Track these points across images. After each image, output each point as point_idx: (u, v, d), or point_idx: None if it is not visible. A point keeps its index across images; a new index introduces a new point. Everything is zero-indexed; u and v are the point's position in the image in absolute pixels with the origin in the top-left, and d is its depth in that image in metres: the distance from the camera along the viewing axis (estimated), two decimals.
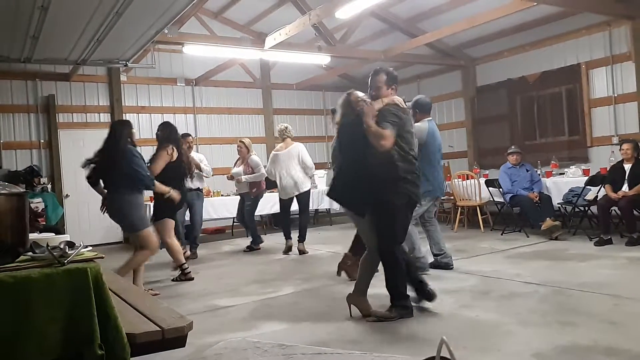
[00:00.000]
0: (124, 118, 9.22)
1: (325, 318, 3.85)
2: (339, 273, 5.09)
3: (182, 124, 9.89)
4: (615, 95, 7.80)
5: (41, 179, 8.09)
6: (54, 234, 2.83)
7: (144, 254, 4.79)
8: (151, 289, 5.04)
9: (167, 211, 5.27)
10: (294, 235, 6.97)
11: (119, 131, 4.74)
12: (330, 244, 7.40)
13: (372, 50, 9.23)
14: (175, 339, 2.03)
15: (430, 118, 5.27)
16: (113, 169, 4.61)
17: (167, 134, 5.38)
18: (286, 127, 7.07)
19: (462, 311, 3.75)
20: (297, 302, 4.40)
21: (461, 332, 3.31)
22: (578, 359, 2.80)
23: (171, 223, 5.34)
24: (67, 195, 8.75)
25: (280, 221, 7.70)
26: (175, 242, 5.43)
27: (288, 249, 6.98)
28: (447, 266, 5.20)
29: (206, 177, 7.26)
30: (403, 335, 3.36)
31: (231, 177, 7.53)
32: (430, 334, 3.31)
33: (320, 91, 11.57)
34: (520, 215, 7.41)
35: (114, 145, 4.67)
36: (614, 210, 6.25)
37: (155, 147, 5.47)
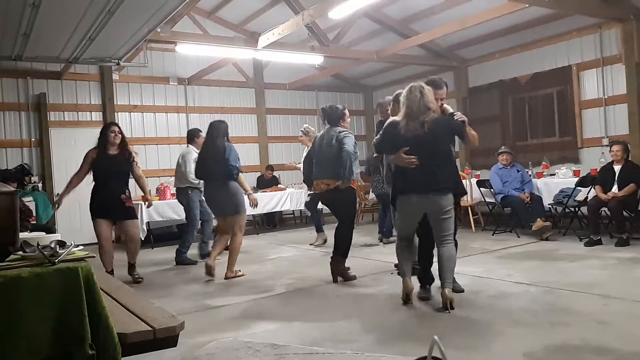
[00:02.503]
0: (116, 117, 9.20)
1: (317, 318, 3.85)
2: (335, 279, 5.05)
3: (174, 123, 9.88)
4: (606, 97, 7.86)
5: (32, 178, 8.04)
6: (44, 233, 2.82)
7: (240, 236, 5.49)
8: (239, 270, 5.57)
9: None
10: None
11: (217, 129, 5.47)
12: (323, 244, 7.40)
13: (365, 50, 9.24)
14: (167, 338, 2.02)
15: None
16: (216, 162, 5.36)
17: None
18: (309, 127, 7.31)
19: (453, 311, 3.75)
20: (289, 302, 4.40)
21: (452, 332, 3.32)
22: (568, 358, 2.82)
23: None
24: (58, 194, 8.68)
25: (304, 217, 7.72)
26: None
27: (323, 242, 7.28)
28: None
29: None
30: (394, 334, 3.38)
31: None
32: (421, 333, 3.32)
33: (313, 91, 11.57)
34: (511, 215, 7.45)
35: (213, 142, 5.43)
36: (604, 211, 6.30)
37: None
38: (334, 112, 5.30)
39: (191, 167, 6.34)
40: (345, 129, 5.19)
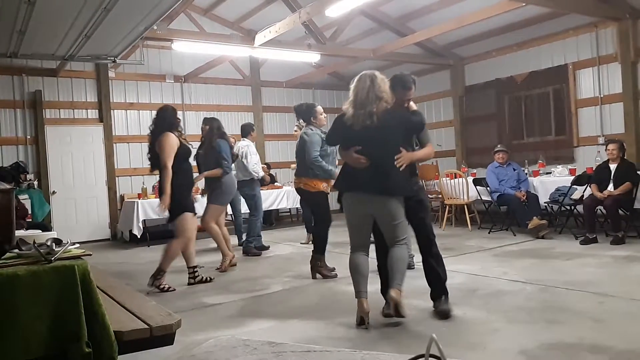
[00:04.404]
0: (112, 115, 9.17)
1: (314, 315, 3.86)
2: (314, 276, 5.10)
3: None
4: (602, 95, 7.89)
5: (27, 175, 8.01)
6: (40, 231, 2.81)
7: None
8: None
9: None
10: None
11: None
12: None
13: (362, 48, 9.23)
14: (163, 336, 2.03)
15: None
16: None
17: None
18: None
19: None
20: (285, 300, 4.40)
21: (448, 330, 3.33)
22: (564, 356, 2.83)
23: None
24: (53, 192, 8.67)
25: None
26: None
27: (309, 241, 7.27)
28: (409, 266, 5.03)
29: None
30: (392, 332, 3.38)
31: None
32: (418, 331, 3.33)
33: (309, 89, 11.55)
34: (508, 214, 7.47)
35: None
36: (600, 209, 6.32)
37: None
38: (302, 110, 5.40)
39: (253, 159, 6.74)
40: (313, 128, 5.23)
